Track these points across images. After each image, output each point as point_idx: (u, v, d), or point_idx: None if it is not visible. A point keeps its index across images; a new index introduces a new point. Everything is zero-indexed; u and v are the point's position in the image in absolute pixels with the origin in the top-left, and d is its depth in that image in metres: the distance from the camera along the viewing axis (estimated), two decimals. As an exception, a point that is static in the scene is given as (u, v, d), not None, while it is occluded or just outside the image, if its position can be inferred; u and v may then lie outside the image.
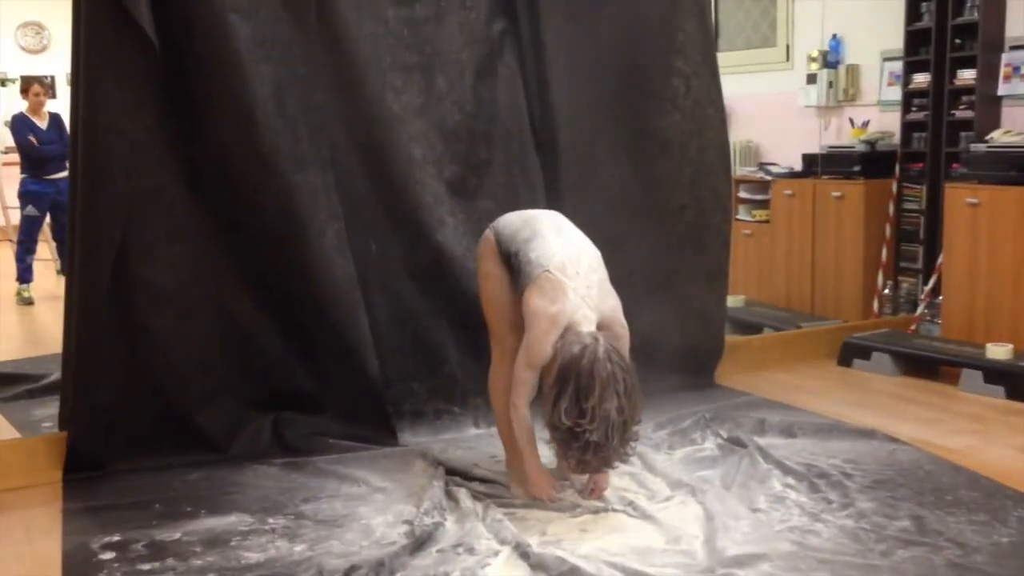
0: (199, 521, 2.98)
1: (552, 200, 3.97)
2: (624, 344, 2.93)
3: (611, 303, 2.93)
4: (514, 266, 2.98)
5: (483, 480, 3.25)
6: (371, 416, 3.68)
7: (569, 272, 2.86)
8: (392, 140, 3.77)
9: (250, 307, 3.65)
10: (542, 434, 2.92)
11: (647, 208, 4.28)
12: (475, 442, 3.71)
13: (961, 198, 4.84)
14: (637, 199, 4.26)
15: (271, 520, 2.98)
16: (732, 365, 4.58)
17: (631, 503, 3.00)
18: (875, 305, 5.46)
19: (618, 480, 3.18)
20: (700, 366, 4.41)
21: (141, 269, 3.40)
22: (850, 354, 4.81)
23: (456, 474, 3.28)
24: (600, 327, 2.85)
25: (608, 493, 3.06)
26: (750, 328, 5.36)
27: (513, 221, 3.11)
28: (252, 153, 3.48)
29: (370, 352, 3.65)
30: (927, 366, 4.58)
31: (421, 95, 3.82)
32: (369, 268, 3.78)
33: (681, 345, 4.28)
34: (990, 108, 5.13)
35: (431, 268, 3.86)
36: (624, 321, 2.97)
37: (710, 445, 3.60)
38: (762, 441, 3.56)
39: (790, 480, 3.22)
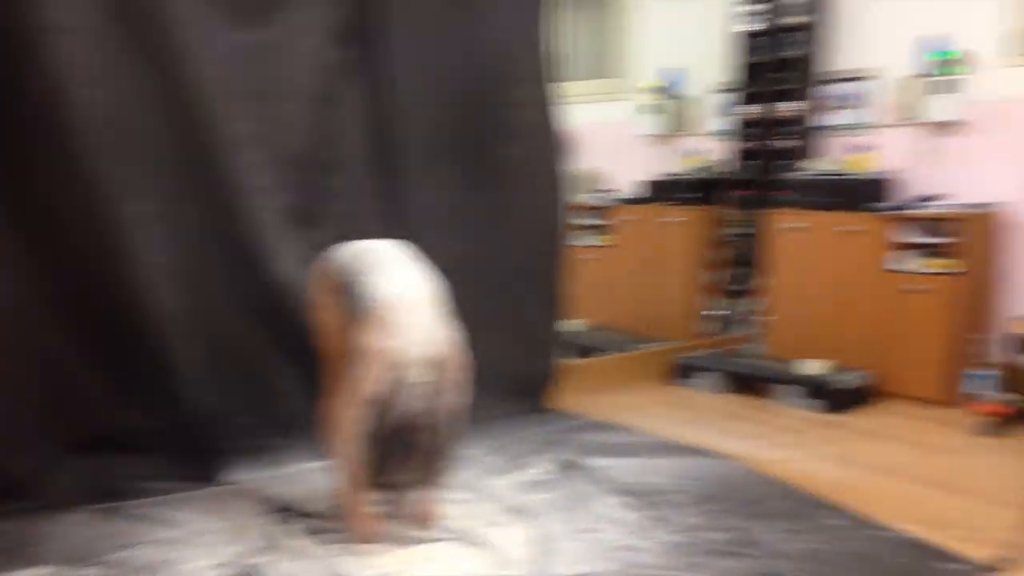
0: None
1: (396, 228, 3.95)
2: (459, 380, 2.92)
3: (447, 338, 2.92)
4: (348, 299, 2.96)
5: (316, 515, 3.20)
6: (198, 454, 3.56)
7: (403, 308, 2.83)
8: (229, 168, 3.67)
9: (69, 343, 3.47)
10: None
11: (488, 235, 4.32)
12: (308, 477, 3.65)
13: (785, 223, 5.10)
14: (479, 226, 4.29)
15: (77, 571, 2.80)
16: (568, 388, 4.66)
17: (462, 531, 3.02)
18: (705, 326, 5.67)
19: (451, 508, 3.20)
20: (535, 391, 4.47)
21: (-54, 305, 3.22)
22: (681, 374, 4.99)
23: (286, 511, 3.22)
24: (436, 363, 2.84)
25: (440, 521, 3.06)
26: (589, 352, 5.48)
27: (349, 252, 3.08)
28: (77, 180, 3.33)
29: (198, 387, 3.55)
30: (752, 383, 4.80)
31: (260, 122, 3.74)
32: (202, 300, 3.68)
33: (517, 371, 4.33)
34: (812, 137, 5.43)
35: (266, 300, 3.79)
36: (461, 356, 2.97)
37: (544, 469, 3.65)
38: (595, 462, 3.64)
39: (621, 500, 3.30)
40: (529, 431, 4.02)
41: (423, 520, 3.04)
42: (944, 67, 4.76)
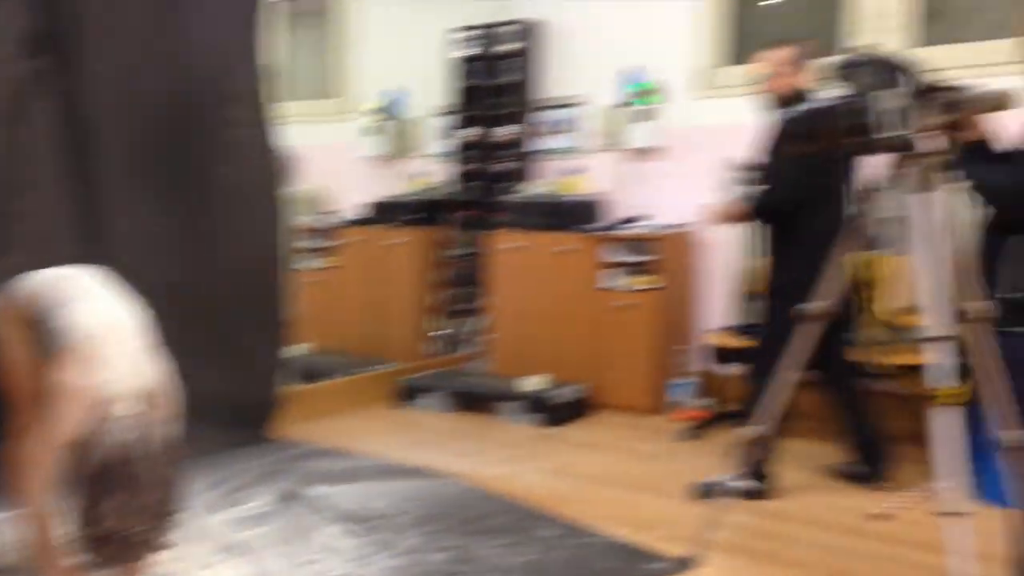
0: None
1: (94, 253, 3.69)
2: (169, 415, 2.77)
3: (154, 372, 2.75)
4: (40, 334, 2.72)
5: (5, 571, 2.92)
6: None
7: (103, 341, 2.65)
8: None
9: None
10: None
11: (202, 259, 4.15)
12: (-2, 527, 3.33)
13: (504, 243, 5.27)
14: (191, 250, 4.10)
15: None
16: (293, 415, 4.56)
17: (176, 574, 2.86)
18: (430, 346, 5.75)
19: (163, 548, 3.02)
20: (257, 419, 4.34)
21: None
22: (407, 395, 5.02)
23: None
24: (143, 397, 2.67)
25: (152, 567, 2.88)
26: (315, 376, 5.38)
27: (39, 282, 2.84)
28: None
29: None
30: (475, 401, 4.91)
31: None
32: None
33: (237, 400, 4.17)
34: (527, 161, 5.65)
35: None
36: (170, 389, 2.81)
37: (265, 501, 3.53)
38: (318, 491, 3.57)
39: (344, 527, 3.25)
40: (250, 462, 3.88)
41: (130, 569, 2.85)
42: (642, 97, 5.12)
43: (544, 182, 5.51)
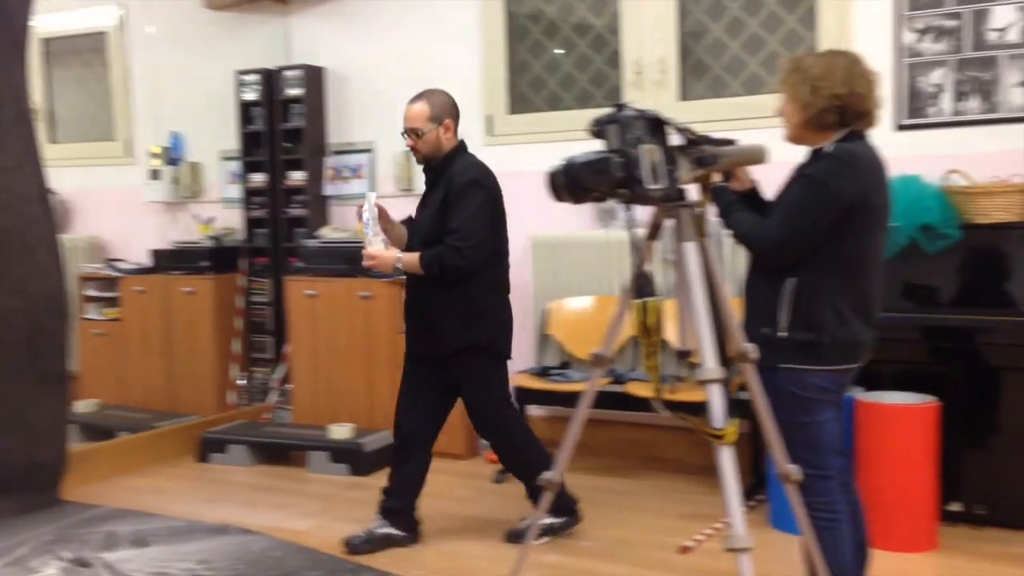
0: None
1: None
2: None
3: None
4: None
5: None
6: None
7: None
8: None
9: None
10: None
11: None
12: None
13: (300, 290, 5.17)
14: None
15: None
16: (82, 476, 4.27)
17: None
18: (231, 397, 5.55)
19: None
20: (42, 483, 4.03)
21: None
22: (207, 449, 4.80)
23: None
24: None
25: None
26: (105, 434, 5.06)
27: None
28: None
29: None
30: (280, 453, 4.77)
31: None
32: None
33: (18, 463, 3.88)
34: (319, 206, 5.59)
35: None
36: None
37: (52, 571, 3.28)
38: (111, 556, 3.36)
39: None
40: (33, 530, 3.60)
41: None
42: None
43: (336, 227, 5.46)
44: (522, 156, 4.86)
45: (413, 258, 3.35)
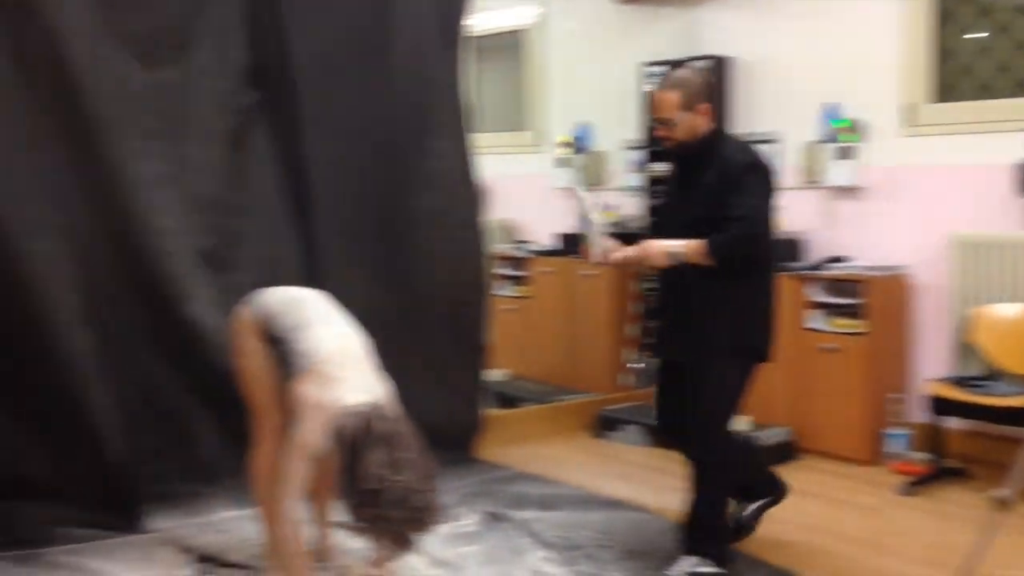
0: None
1: (310, 274, 3.90)
2: (405, 429, 2.86)
3: (383, 390, 2.88)
4: (281, 353, 2.89)
5: (239, 567, 3.08)
6: (113, 500, 3.42)
7: (338, 363, 2.80)
8: (138, 208, 3.58)
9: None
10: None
11: (406, 285, 4.30)
12: (230, 525, 3.51)
13: (697, 277, 5.19)
14: (396, 276, 4.27)
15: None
16: (493, 439, 4.63)
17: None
18: (623, 379, 5.71)
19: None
20: (461, 441, 4.44)
21: None
22: (603, 426, 5.01)
23: (209, 560, 3.08)
24: (378, 413, 2.77)
25: (362, 572, 2.99)
26: (511, 402, 5.46)
27: (276, 302, 3.01)
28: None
29: (111, 431, 3.40)
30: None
31: (170, 163, 3.67)
32: (112, 342, 3.54)
33: (440, 420, 4.24)
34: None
35: (180, 343, 3.68)
36: (397, 407, 2.91)
37: (471, 521, 3.61)
38: (521, 515, 3.61)
39: (547, 554, 3.27)
40: (455, 482, 3.96)
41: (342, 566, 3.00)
42: (844, 133, 4.97)
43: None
44: (946, 148, 4.51)
45: (696, 246, 2.96)
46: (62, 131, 3.40)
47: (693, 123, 3.06)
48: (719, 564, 3.12)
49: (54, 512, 3.37)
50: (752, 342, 3.13)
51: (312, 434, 2.70)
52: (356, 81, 4.14)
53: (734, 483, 3.28)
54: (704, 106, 3.07)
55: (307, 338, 2.84)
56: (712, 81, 3.15)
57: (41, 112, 3.34)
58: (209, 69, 3.76)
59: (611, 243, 3.19)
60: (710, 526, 3.13)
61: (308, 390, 2.75)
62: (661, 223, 3.22)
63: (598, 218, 3.24)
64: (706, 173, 3.04)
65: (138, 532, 3.38)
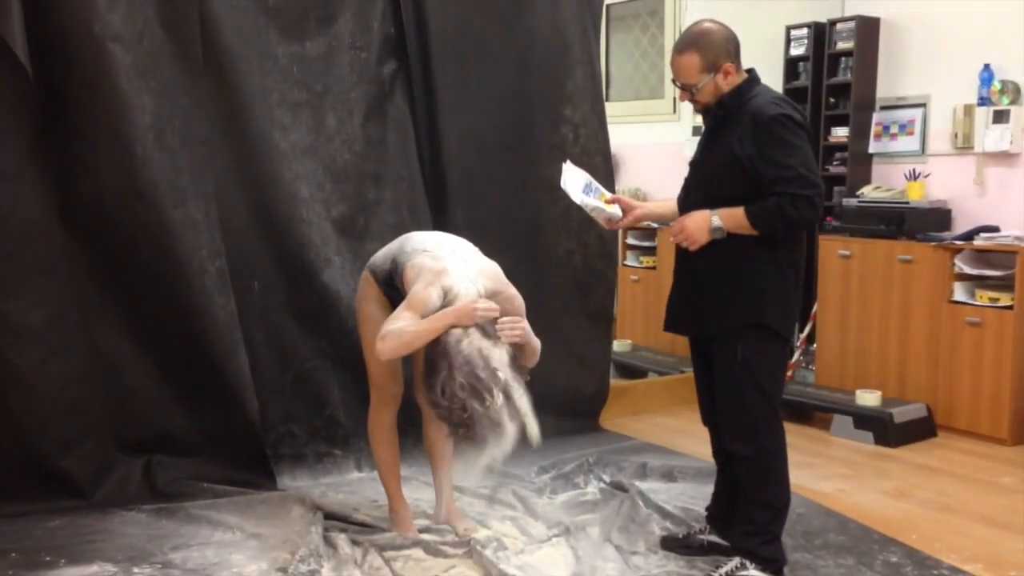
0: (58, 571, 2.82)
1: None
2: (518, 304, 2.87)
3: (492, 267, 2.89)
4: (395, 283, 2.91)
5: (363, 525, 3.18)
6: (248, 459, 3.57)
7: (444, 251, 2.85)
8: (278, 177, 3.70)
9: (123, 346, 3.50)
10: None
11: (534, 252, 4.31)
12: (356, 486, 3.64)
13: (834, 250, 5.03)
14: (525, 243, 4.27)
15: (136, 569, 2.84)
16: (616, 409, 4.62)
17: (505, 547, 2.98)
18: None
19: (498, 524, 3.19)
20: (584, 409, 4.44)
21: (4, 304, 3.22)
22: (729, 399, 4.91)
23: (335, 519, 3.20)
24: (488, 294, 2.77)
25: (482, 536, 3.04)
26: (635, 372, 5.43)
27: (385, 249, 3.08)
28: (129, 186, 3.34)
29: (249, 393, 3.55)
30: (801, 411, 4.71)
31: (309, 133, 3.77)
32: (251, 307, 3.69)
33: (566, 388, 4.30)
34: (861, 164, 5.37)
35: (315, 308, 3.79)
36: (509, 283, 2.89)
37: (592, 489, 3.61)
38: (643, 485, 3.59)
39: (669, 524, 3.25)
40: (579, 450, 3.97)
41: (462, 529, 3.07)
42: (1000, 97, 4.69)
43: (880, 187, 5.20)
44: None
45: (735, 214, 2.68)
46: (208, 101, 3.54)
47: (719, 84, 2.77)
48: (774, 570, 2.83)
49: (194, 468, 3.55)
50: (763, 319, 2.75)
51: (425, 291, 2.68)
52: (492, 49, 4.15)
53: (780, 478, 2.90)
54: (728, 65, 2.76)
55: (410, 245, 2.91)
56: (733, 36, 2.80)
57: (193, 84, 3.47)
58: (352, 40, 3.83)
59: (614, 208, 3.01)
60: (766, 531, 2.82)
61: (420, 261, 2.79)
62: (687, 188, 2.97)
63: (594, 187, 3.02)
64: (735, 130, 2.73)
65: (271, 490, 3.53)
